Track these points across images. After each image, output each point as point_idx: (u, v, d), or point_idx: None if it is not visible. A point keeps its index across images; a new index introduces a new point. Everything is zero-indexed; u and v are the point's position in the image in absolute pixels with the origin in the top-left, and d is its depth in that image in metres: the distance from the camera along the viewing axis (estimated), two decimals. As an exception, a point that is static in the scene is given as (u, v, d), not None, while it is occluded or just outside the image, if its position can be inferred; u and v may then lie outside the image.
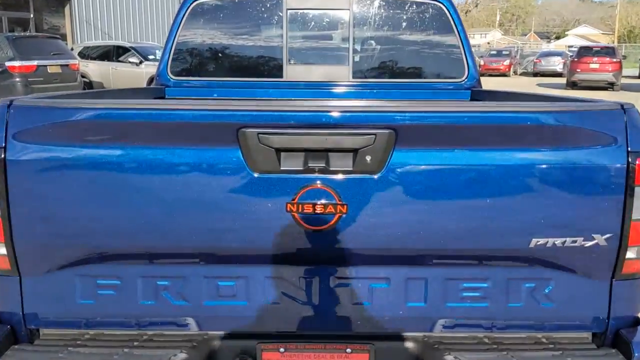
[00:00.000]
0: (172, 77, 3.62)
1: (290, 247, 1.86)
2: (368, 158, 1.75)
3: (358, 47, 3.69)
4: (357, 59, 3.67)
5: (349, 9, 3.56)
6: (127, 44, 17.95)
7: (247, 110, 1.81)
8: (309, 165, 1.77)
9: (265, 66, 3.68)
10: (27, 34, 16.07)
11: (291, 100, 3.45)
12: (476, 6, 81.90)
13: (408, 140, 1.77)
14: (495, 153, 1.79)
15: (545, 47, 70.38)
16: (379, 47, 3.72)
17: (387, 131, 1.75)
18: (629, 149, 1.76)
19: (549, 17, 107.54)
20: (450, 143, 1.79)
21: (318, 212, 1.77)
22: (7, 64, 12.75)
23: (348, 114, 1.80)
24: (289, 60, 3.63)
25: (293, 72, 3.62)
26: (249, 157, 1.76)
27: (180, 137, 1.78)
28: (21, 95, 12.99)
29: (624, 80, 28.18)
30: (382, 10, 3.63)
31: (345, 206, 1.77)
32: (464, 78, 3.60)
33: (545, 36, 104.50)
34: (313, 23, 3.67)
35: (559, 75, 31.56)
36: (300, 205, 1.77)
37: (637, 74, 30.81)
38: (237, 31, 3.67)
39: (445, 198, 1.80)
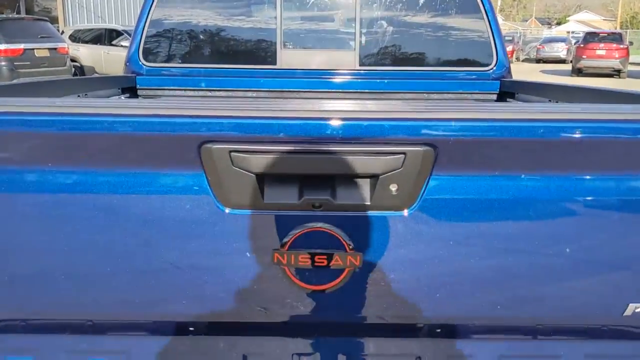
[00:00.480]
0: (145, 63, 3.10)
1: (279, 314, 1.35)
2: (394, 188, 1.24)
3: (366, 29, 3.18)
4: (364, 42, 3.15)
5: None
6: (120, 28, 17.37)
7: (213, 117, 1.23)
8: (306, 197, 1.25)
9: (255, 51, 3.16)
10: (14, 15, 15.48)
11: (285, 92, 2.93)
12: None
13: (454, 161, 1.25)
14: (586, 181, 1.26)
15: (547, 33, 69.72)
16: (390, 28, 3.19)
17: (422, 148, 1.22)
18: None
19: (550, 3, 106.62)
20: (518, 166, 1.26)
21: (319, 264, 1.26)
22: (-7, 47, 12.22)
23: (364, 122, 1.23)
24: (284, 44, 3.11)
25: (288, 58, 3.10)
26: (217, 185, 1.24)
27: (111, 156, 1.27)
28: (6, 79, 12.49)
29: (630, 68, 27.70)
30: None
31: (358, 257, 1.26)
32: (492, 66, 3.09)
33: (547, 22, 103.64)
34: (312, 2, 3.15)
35: (563, 61, 31.08)
36: (293, 256, 1.25)
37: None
38: (222, 9, 3.15)
39: (506, 245, 1.27)
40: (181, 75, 3.11)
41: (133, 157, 1.25)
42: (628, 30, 65.35)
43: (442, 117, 1.25)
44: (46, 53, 13.17)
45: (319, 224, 1.25)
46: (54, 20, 18.86)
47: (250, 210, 1.24)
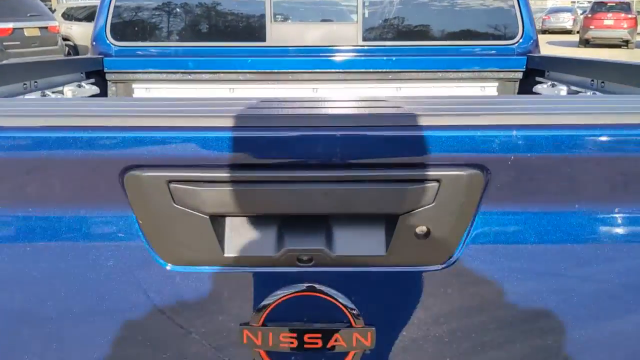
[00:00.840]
0: (114, 42, 2.72)
1: None
2: (421, 229, 0.85)
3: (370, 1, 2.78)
4: (368, 13, 2.76)
5: None
6: (113, 4, 16.91)
7: (138, 129, 0.83)
8: (288, 247, 0.86)
9: (241, 25, 2.77)
10: (1, -7, 14.98)
11: (275, 74, 2.54)
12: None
13: (514, 189, 0.86)
14: None
15: (551, 3, 68.58)
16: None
17: (466, 172, 0.84)
18: None
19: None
20: (613, 197, 0.87)
21: (311, 347, 0.86)
22: (-20, 26, 11.84)
23: (375, 131, 0.83)
24: (274, 17, 2.72)
25: (279, 33, 2.71)
26: (153, 232, 0.86)
27: None
28: (-3, 61, 12.14)
29: (639, 38, 27.15)
30: None
31: (369, 334, 0.86)
32: (517, 39, 2.70)
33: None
34: None
35: (569, 32, 30.54)
36: (271, 334, 0.86)
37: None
38: None
39: (596, 313, 0.87)
40: (156, 56, 2.73)
41: (24, 190, 0.86)
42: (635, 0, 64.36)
43: (498, 124, 0.83)
44: (36, 32, 12.79)
45: (305, 287, 0.86)
46: (46, -2, 18.35)
47: (204, 268, 0.86)
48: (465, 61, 2.73)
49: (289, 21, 2.78)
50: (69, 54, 14.82)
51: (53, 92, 2.12)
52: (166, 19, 2.80)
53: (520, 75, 2.72)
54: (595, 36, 22.80)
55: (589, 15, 23.09)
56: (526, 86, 2.61)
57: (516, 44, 2.72)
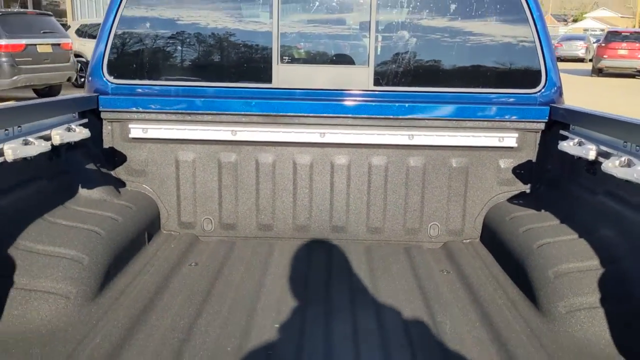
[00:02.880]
0: (110, 80, 2.61)
1: None
2: None
3: (383, 40, 2.65)
4: (380, 57, 2.64)
5: None
6: (127, 22, 17.06)
7: None
8: None
9: (247, 66, 2.67)
10: (16, 10, 15.17)
11: (281, 117, 2.42)
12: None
13: None
14: None
15: (563, 30, 68.87)
16: (413, 40, 2.68)
17: None
18: None
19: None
20: None
21: None
22: (-7, 42, 11.96)
23: None
24: (281, 58, 2.61)
25: (286, 74, 2.61)
26: None
27: None
28: (7, 76, 12.21)
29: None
30: None
31: None
32: (540, 87, 2.57)
33: (562, 19, 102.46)
34: (317, 4, 2.64)
35: (581, 60, 30.55)
36: None
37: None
38: (207, 14, 2.64)
39: None
40: (155, 95, 2.61)
41: None
42: (648, 28, 64.54)
43: None
44: (49, 49, 12.93)
45: None
46: (62, 14, 18.57)
47: None
48: (482, 109, 2.60)
49: (297, 62, 2.67)
50: (80, 69, 14.96)
51: (37, 138, 2.00)
52: (168, 55, 2.70)
53: (542, 126, 2.59)
54: (609, 65, 22.78)
55: (603, 45, 23.02)
56: (549, 139, 2.47)
57: (539, 93, 2.59)
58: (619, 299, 1.89)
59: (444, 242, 2.75)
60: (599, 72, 23.24)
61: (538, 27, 2.51)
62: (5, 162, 1.85)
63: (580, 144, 2.22)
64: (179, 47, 2.69)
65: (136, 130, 2.70)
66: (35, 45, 12.57)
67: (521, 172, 2.68)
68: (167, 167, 2.76)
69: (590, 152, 2.11)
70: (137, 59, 2.66)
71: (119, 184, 2.73)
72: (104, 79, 2.66)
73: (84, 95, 2.62)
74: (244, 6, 2.66)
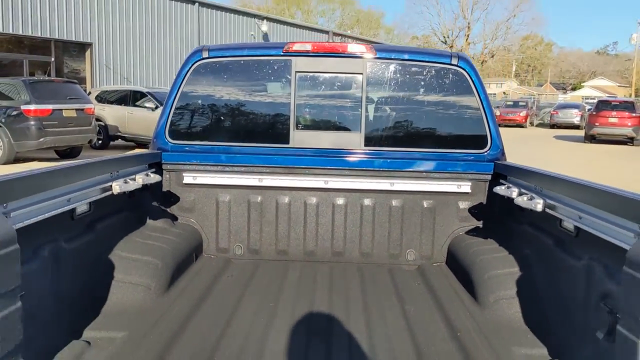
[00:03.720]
0: (171, 140, 3.39)
1: None
2: None
3: (371, 113, 3.45)
4: (369, 125, 3.43)
5: (362, 74, 3.33)
6: (144, 89, 18.05)
7: None
8: None
9: (271, 131, 3.45)
10: (44, 78, 16.23)
11: (297, 169, 3.20)
12: (492, 57, 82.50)
13: None
14: None
15: (562, 98, 70.38)
16: (393, 113, 3.48)
17: None
18: None
19: (565, 69, 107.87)
20: None
21: None
22: (23, 107, 12.86)
23: None
24: (297, 126, 3.39)
25: (300, 138, 3.38)
26: None
27: None
28: (34, 138, 12.98)
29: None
30: (398, 75, 3.40)
31: None
32: (486, 149, 3.33)
33: (561, 87, 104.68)
34: (323, 87, 3.44)
35: (577, 127, 31.36)
36: None
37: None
38: (242, 93, 3.45)
39: None
40: (202, 152, 3.40)
41: None
42: (643, 97, 65.98)
43: None
44: (73, 113, 13.70)
45: None
46: (82, 81, 19.66)
47: None
48: (445, 164, 3.35)
49: (308, 129, 3.45)
50: (99, 132, 15.70)
51: (129, 180, 2.76)
52: (212, 123, 3.47)
53: (489, 177, 3.33)
54: (600, 132, 23.46)
55: (594, 113, 23.80)
56: (494, 186, 3.21)
57: (486, 153, 3.35)
58: (527, 292, 2.62)
59: (418, 264, 3.44)
60: (591, 138, 23.93)
61: (484, 105, 3.29)
62: (110, 195, 2.63)
63: (508, 188, 2.95)
64: (221, 117, 3.48)
65: (188, 178, 3.45)
66: (61, 110, 13.39)
67: (475, 211, 3.41)
68: (209, 206, 3.49)
69: (513, 193, 2.84)
70: (190, 126, 3.45)
71: (174, 217, 3.47)
72: (166, 140, 3.43)
73: (151, 152, 3.39)
74: (270, 86, 3.47)
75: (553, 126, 34.06)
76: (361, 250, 3.45)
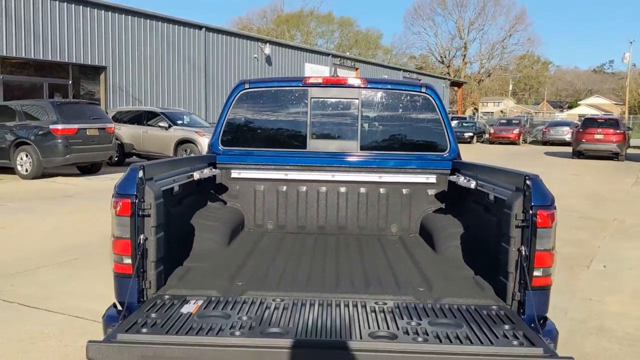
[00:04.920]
0: (222, 147, 4.60)
1: None
2: None
3: (365, 127, 4.65)
4: (364, 135, 4.62)
5: (358, 99, 4.55)
6: (157, 110, 19.19)
7: None
8: None
9: (293, 139, 4.64)
10: (70, 100, 17.38)
11: (312, 167, 4.39)
12: (489, 76, 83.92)
13: None
14: None
15: (558, 116, 71.52)
16: (380, 127, 4.68)
17: None
18: None
19: (562, 87, 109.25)
20: None
21: None
22: (51, 126, 13.96)
23: None
24: (312, 135, 4.59)
25: (315, 144, 4.58)
26: None
27: None
28: (61, 155, 14.06)
29: (633, 151, 29.14)
30: (383, 100, 4.61)
31: None
32: (447, 152, 4.54)
33: (558, 105, 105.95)
34: (330, 108, 4.64)
35: (568, 144, 32.57)
36: None
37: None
38: (272, 113, 4.66)
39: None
40: (245, 155, 4.60)
41: None
42: (637, 115, 67.14)
43: None
44: (96, 132, 14.83)
45: None
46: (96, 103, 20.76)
47: None
48: (418, 163, 4.51)
49: (320, 137, 4.57)
50: (117, 150, 16.75)
51: (200, 172, 3.92)
52: (252, 133, 4.63)
53: (448, 172, 4.49)
54: (587, 148, 24.63)
55: (581, 130, 25.00)
56: (451, 177, 4.37)
57: (446, 154, 4.54)
58: (468, 243, 3.68)
59: (399, 235, 4.55)
60: (579, 154, 25.10)
61: (445, 121, 4.48)
62: (191, 181, 3.75)
63: (458, 177, 4.10)
64: (257, 130, 4.66)
65: (234, 173, 4.57)
66: (85, 129, 14.55)
67: (439, 196, 4.56)
68: (249, 194, 4.61)
69: (461, 179, 3.99)
70: (235, 137, 4.63)
71: (224, 202, 4.59)
72: (219, 147, 4.61)
73: (209, 154, 4.58)
74: (292, 108, 4.67)
75: (545, 143, 35.26)
76: (358, 225, 4.61)
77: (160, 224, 2.86)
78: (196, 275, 3.12)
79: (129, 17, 23.17)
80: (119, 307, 2.81)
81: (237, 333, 2.34)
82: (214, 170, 4.36)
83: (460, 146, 4.98)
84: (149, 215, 2.76)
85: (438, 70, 74.66)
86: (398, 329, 2.43)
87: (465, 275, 3.27)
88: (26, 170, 14.23)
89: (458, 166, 4.29)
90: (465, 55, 79.17)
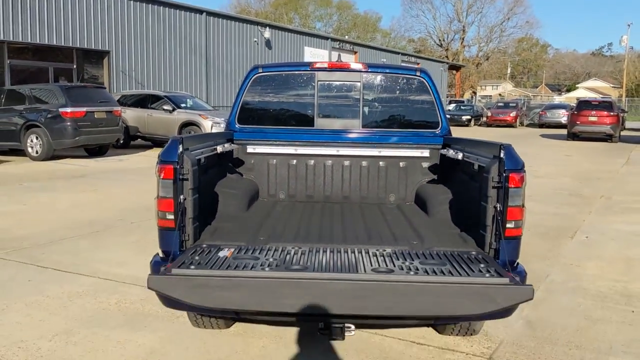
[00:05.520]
0: (238, 125, 5.10)
1: None
2: None
3: (366, 107, 5.15)
4: (365, 114, 5.13)
5: (359, 82, 5.05)
6: (161, 93, 19.61)
7: None
8: None
9: (302, 118, 5.14)
10: (78, 84, 17.76)
11: (319, 142, 4.91)
12: (487, 59, 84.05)
13: None
14: None
15: (556, 99, 71.86)
16: (380, 107, 5.19)
17: None
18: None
19: (560, 70, 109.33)
20: None
21: None
22: (61, 110, 14.42)
23: None
24: (319, 115, 5.09)
25: (321, 122, 5.08)
26: None
27: None
28: (70, 137, 14.53)
29: (627, 133, 29.65)
30: (382, 83, 5.11)
31: None
32: (439, 129, 5.05)
33: (556, 88, 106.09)
34: (335, 90, 5.14)
35: (564, 126, 33.03)
36: None
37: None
38: (283, 94, 5.16)
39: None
40: (259, 132, 5.10)
41: None
42: (634, 98, 67.51)
43: None
44: (103, 115, 15.28)
45: None
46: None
47: None
48: (413, 138, 5.01)
49: (326, 117, 5.07)
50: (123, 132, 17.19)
51: (220, 147, 4.40)
52: (265, 113, 5.11)
53: (440, 146, 4.99)
54: (582, 130, 25.14)
55: (575, 112, 25.48)
56: (443, 151, 4.87)
57: (438, 131, 5.05)
58: (456, 206, 4.17)
59: (397, 203, 5.06)
60: (574, 136, 25.60)
61: (436, 100, 4.97)
62: (214, 154, 4.21)
63: (448, 150, 4.61)
64: (270, 110, 5.16)
65: (250, 149, 5.04)
66: (93, 112, 14.98)
67: (432, 168, 5.06)
68: (263, 167, 5.08)
69: (450, 152, 4.50)
70: (250, 116, 5.13)
71: (241, 174, 5.07)
72: (235, 125, 5.10)
73: (226, 132, 5.08)
74: (301, 91, 5.17)
75: (542, 126, 35.72)
76: (360, 195, 5.13)
77: (196, 187, 3.37)
78: (224, 232, 3.65)
79: (132, 2, 23.49)
80: (162, 255, 3.34)
81: (267, 269, 2.88)
82: (232, 145, 4.87)
83: (458, 129, 5.55)
84: (187, 179, 3.27)
85: (436, 54, 74.83)
86: (395, 267, 2.97)
87: (452, 232, 3.80)
88: (36, 152, 14.70)
89: (448, 141, 4.81)
90: (463, 39, 79.32)
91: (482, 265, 3.04)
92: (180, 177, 3.24)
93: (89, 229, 7.28)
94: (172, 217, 3.21)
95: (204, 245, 3.36)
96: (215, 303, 2.77)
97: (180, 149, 3.25)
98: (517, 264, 3.32)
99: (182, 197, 3.26)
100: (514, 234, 3.22)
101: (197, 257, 3.10)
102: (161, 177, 3.20)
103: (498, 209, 3.23)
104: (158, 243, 3.38)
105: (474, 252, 3.33)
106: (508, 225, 3.19)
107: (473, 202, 3.62)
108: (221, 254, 3.17)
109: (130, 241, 6.72)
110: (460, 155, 4.12)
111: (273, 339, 3.96)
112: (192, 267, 2.90)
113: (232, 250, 3.25)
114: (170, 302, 2.93)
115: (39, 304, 4.60)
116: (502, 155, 3.21)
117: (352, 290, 2.70)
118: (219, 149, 4.27)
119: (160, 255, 3.35)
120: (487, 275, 2.87)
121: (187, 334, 4.04)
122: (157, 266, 3.15)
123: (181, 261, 3.01)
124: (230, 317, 3.49)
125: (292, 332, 4.07)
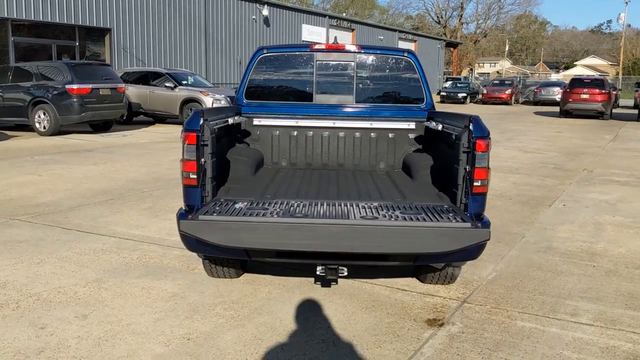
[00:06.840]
0: (245, 100, 5.67)
1: None
2: None
3: (359, 84, 5.72)
4: (358, 91, 5.69)
5: (353, 61, 5.61)
6: (163, 70, 20.05)
7: None
8: None
9: (302, 94, 5.70)
10: (84, 61, 18.21)
11: (317, 116, 5.49)
12: (485, 36, 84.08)
13: None
14: None
15: (553, 76, 72.14)
16: (372, 84, 5.75)
17: None
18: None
19: (559, 48, 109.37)
20: None
21: None
22: (67, 86, 14.91)
23: None
24: (317, 91, 5.66)
25: (319, 98, 5.64)
26: None
27: None
28: (77, 113, 15.03)
29: (620, 110, 30.17)
30: (374, 62, 5.66)
31: None
32: (424, 104, 5.63)
33: (554, 66, 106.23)
34: (332, 69, 5.70)
35: (558, 104, 33.54)
36: None
37: (632, 105, 32.78)
38: (286, 73, 5.72)
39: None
40: (264, 107, 5.67)
41: None
42: (630, 76, 67.81)
43: None
44: (108, 92, 15.78)
45: None
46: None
47: None
48: (401, 112, 5.58)
49: (324, 93, 5.60)
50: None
51: (232, 119, 4.97)
52: (270, 89, 5.65)
53: (424, 119, 5.56)
54: (574, 108, 25.70)
55: (568, 90, 26.02)
56: (427, 124, 5.45)
57: (423, 105, 5.62)
58: (435, 171, 4.71)
59: (386, 170, 5.64)
60: (566, 113, 26.17)
61: (422, 78, 5.53)
62: (225, 125, 4.76)
63: (431, 122, 5.19)
64: (274, 87, 5.73)
65: (256, 121, 5.57)
66: (99, 89, 15.49)
67: (417, 139, 5.64)
68: (267, 138, 5.62)
69: (432, 124, 5.06)
70: (256, 92, 5.68)
71: (247, 144, 5.62)
72: (243, 100, 5.66)
73: (235, 106, 5.64)
74: (301, 70, 5.72)
75: (536, 103, 36.24)
76: (354, 162, 5.71)
77: (214, 151, 3.97)
78: (237, 191, 4.25)
79: (132, -21, 23.79)
80: (186, 208, 3.94)
81: (275, 216, 3.50)
82: (241, 117, 5.45)
83: (453, 107, 6.14)
84: (207, 145, 3.86)
85: (434, 31, 74.84)
86: (379, 215, 3.59)
87: (431, 192, 4.41)
88: (44, 128, 15.22)
89: (432, 115, 5.39)
90: (461, 16, 79.33)
91: (450, 215, 3.66)
92: (202, 143, 3.82)
93: (103, 197, 7.87)
94: (194, 176, 3.80)
95: (222, 200, 3.96)
96: (234, 242, 3.40)
97: (202, 120, 3.83)
98: (483, 216, 3.92)
99: (203, 159, 3.84)
100: (480, 191, 3.82)
101: (217, 208, 3.71)
102: (186, 142, 3.78)
103: (467, 170, 3.82)
104: (182, 199, 3.97)
105: (446, 206, 3.94)
106: (475, 184, 3.78)
107: (449, 167, 4.21)
108: (237, 205, 3.79)
109: (144, 207, 7.32)
110: (440, 127, 4.70)
111: (277, 286, 4.58)
112: (215, 214, 3.51)
113: (246, 203, 3.85)
114: (193, 245, 3.55)
115: (69, 259, 5.21)
116: (470, 125, 3.79)
117: (344, 232, 3.32)
118: (230, 120, 4.84)
119: (185, 208, 3.95)
120: (454, 221, 3.49)
121: (202, 282, 4.65)
122: (182, 217, 3.74)
123: (205, 210, 3.62)
124: (242, 258, 4.07)
125: (294, 281, 4.69)
